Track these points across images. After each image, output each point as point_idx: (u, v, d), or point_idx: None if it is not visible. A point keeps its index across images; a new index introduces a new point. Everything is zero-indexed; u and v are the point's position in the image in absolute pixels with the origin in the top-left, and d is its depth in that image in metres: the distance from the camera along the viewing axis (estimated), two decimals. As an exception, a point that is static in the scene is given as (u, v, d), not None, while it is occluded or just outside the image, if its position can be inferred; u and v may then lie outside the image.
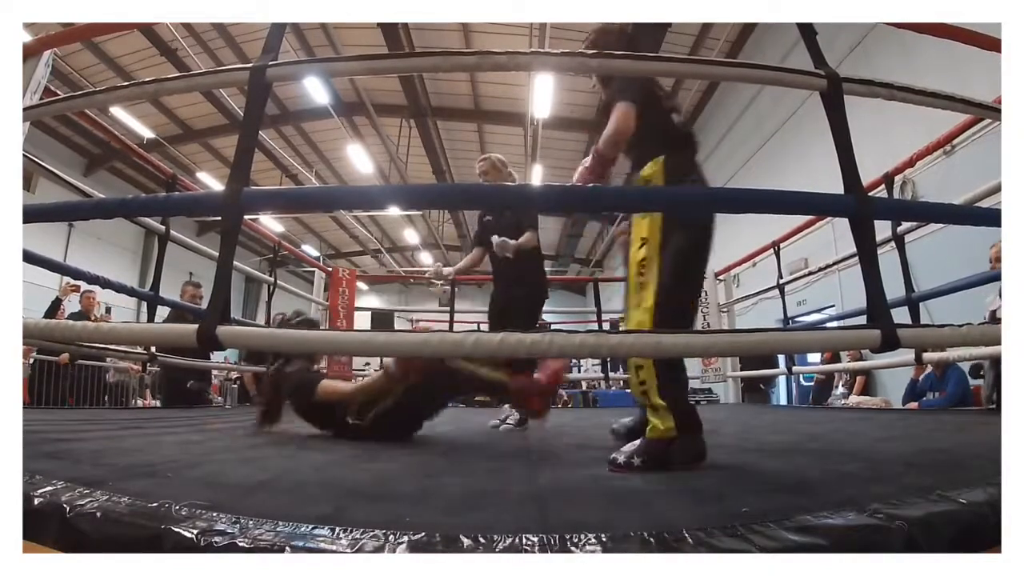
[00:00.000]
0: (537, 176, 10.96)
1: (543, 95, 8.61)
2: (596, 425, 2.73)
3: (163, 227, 2.96)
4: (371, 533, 0.69)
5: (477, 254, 3.09)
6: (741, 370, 5.14)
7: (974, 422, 2.36)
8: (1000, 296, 3.09)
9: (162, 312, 3.47)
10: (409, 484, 1.10)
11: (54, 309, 4.55)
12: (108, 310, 6.16)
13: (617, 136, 1.48)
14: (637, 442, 1.35)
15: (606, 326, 5.46)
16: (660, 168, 1.45)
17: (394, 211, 11.50)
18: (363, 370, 5.52)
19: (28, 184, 8.04)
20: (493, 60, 1.19)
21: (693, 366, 5.42)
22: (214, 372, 5.50)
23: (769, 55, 7.01)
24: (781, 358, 4.73)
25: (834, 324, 4.47)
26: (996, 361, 3.05)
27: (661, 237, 1.41)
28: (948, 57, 4.21)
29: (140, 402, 6.07)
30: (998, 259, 3.08)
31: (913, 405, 4.20)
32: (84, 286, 4.33)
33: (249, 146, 1.13)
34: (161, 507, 0.76)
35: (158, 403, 5.04)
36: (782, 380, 6.87)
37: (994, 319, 3.01)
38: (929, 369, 4.03)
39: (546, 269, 3.39)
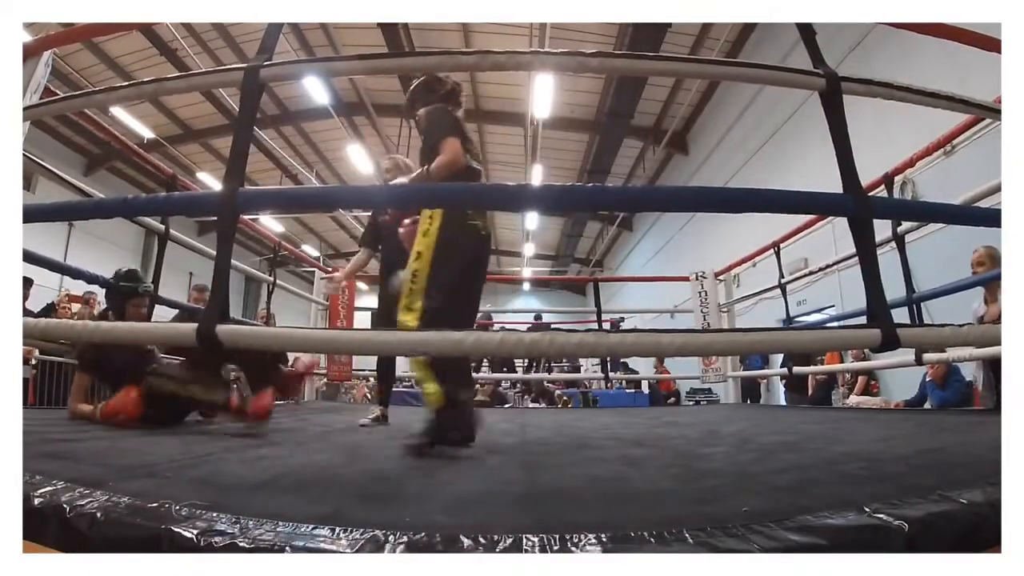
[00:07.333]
0: (537, 176, 10.96)
1: (543, 95, 8.60)
2: (596, 425, 2.73)
3: (163, 227, 2.96)
4: (371, 533, 0.68)
5: (364, 256, 2.95)
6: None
7: (974, 422, 2.36)
8: (985, 302, 3.09)
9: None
10: (409, 484, 1.10)
11: (48, 312, 4.56)
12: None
13: (454, 166, 1.77)
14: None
15: (606, 326, 5.46)
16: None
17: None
18: (362, 370, 5.51)
19: (28, 184, 8.03)
20: (493, 59, 1.19)
21: (694, 366, 5.43)
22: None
23: (769, 55, 7.01)
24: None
25: (834, 324, 4.47)
26: (993, 362, 3.04)
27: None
28: (948, 57, 4.21)
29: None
30: (980, 263, 3.05)
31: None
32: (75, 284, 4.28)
33: (243, 146, 1.13)
34: (161, 507, 0.76)
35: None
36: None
37: (981, 323, 3.00)
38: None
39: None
